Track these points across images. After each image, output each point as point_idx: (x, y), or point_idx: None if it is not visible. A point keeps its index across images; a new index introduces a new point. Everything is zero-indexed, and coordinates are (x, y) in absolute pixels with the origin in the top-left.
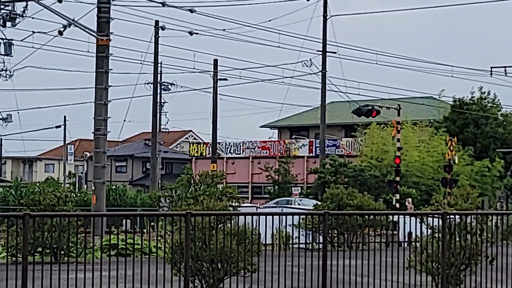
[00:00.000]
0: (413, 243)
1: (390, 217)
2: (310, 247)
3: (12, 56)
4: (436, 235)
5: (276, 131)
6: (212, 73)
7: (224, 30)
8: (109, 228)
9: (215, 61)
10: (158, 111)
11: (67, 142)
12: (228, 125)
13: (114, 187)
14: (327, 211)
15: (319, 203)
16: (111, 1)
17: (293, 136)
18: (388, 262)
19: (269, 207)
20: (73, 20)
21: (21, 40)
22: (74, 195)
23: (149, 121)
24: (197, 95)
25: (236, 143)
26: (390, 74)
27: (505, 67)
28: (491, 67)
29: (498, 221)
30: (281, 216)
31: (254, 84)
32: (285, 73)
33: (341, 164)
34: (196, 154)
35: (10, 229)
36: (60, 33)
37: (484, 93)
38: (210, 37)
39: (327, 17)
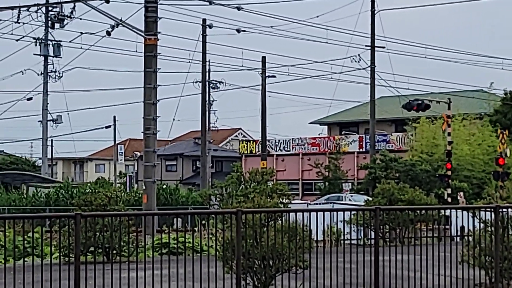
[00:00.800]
0: (466, 237)
1: (442, 211)
2: (362, 243)
3: (61, 57)
4: (489, 228)
5: (326, 127)
6: (261, 70)
7: (271, 27)
8: (161, 227)
9: (263, 58)
10: (207, 109)
11: (117, 142)
12: (277, 122)
13: (164, 186)
14: (379, 207)
15: (370, 198)
16: (158, 1)
17: (343, 132)
18: (441, 256)
19: (320, 203)
20: (120, 20)
21: (70, 41)
22: (125, 195)
23: (198, 120)
24: (245, 93)
25: (285, 140)
26: (440, 68)
27: None
28: None
29: None
30: (332, 212)
31: (303, 80)
32: (333, 69)
33: (392, 159)
34: (245, 152)
35: (63, 229)
36: (108, 33)
37: None
38: (258, 34)
39: (375, 11)
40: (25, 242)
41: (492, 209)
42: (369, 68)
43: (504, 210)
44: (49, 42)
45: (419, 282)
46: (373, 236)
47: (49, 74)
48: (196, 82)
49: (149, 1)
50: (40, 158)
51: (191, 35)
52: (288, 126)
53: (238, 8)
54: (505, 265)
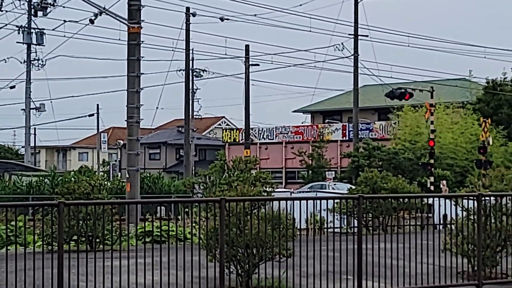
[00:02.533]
0: (448, 226)
1: (425, 199)
2: (345, 231)
3: (44, 45)
4: (471, 217)
5: (309, 115)
6: (244, 58)
7: (255, 15)
8: (144, 216)
9: (247, 46)
10: (190, 98)
11: (100, 130)
12: (261, 110)
13: (148, 174)
14: (362, 195)
15: (353, 187)
16: None
17: (326, 121)
18: (424, 244)
19: (303, 191)
20: (104, 8)
21: (53, 29)
22: (109, 183)
23: (181, 108)
24: (229, 81)
25: (269, 129)
26: (423, 57)
27: None
28: None
29: None
30: (315, 201)
31: (286, 69)
32: (317, 57)
33: (375, 148)
34: (229, 140)
35: (46, 218)
36: (91, 21)
37: None
38: (241, 22)
39: (358, 0)
40: (8, 230)
41: (475, 198)
42: (352, 57)
43: (487, 198)
44: (32, 30)
45: (402, 270)
46: (356, 224)
47: (32, 62)
48: (179, 71)
49: None
50: (23, 147)
51: (174, 23)
52: (272, 115)
53: None
54: (487, 253)
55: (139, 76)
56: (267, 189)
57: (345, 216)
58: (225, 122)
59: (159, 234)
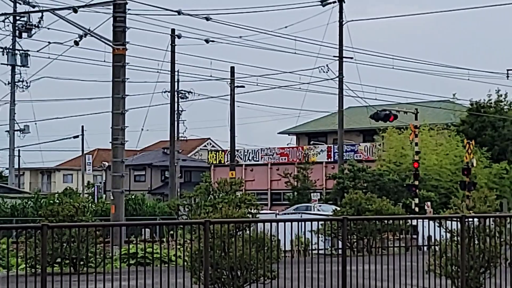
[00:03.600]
0: (433, 247)
1: (409, 221)
2: (330, 253)
3: (28, 66)
4: (455, 238)
5: (294, 137)
6: (229, 80)
7: (240, 37)
8: (128, 238)
9: (232, 68)
10: (175, 119)
11: (85, 152)
12: (247, 132)
13: (133, 196)
14: (346, 217)
15: (338, 208)
16: (126, 11)
17: (311, 142)
18: (408, 266)
19: (288, 213)
20: (88, 30)
21: (37, 51)
22: (93, 205)
23: (167, 130)
24: (214, 103)
25: (254, 150)
26: (407, 79)
27: None
28: (507, 70)
29: None
30: (300, 223)
31: (272, 90)
32: (302, 79)
33: (360, 169)
34: (214, 162)
35: (29, 240)
36: (76, 43)
37: (501, 95)
38: (227, 44)
39: (343, 22)
40: None
41: (458, 219)
42: (337, 79)
43: (470, 220)
44: (16, 51)
45: None
46: (340, 246)
47: (16, 83)
48: (164, 92)
49: (118, 11)
50: (7, 168)
51: (160, 45)
52: (257, 136)
53: (207, 19)
54: (471, 275)
55: (124, 97)
56: (252, 211)
57: (329, 238)
58: (210, 144)
59: (143, 256)
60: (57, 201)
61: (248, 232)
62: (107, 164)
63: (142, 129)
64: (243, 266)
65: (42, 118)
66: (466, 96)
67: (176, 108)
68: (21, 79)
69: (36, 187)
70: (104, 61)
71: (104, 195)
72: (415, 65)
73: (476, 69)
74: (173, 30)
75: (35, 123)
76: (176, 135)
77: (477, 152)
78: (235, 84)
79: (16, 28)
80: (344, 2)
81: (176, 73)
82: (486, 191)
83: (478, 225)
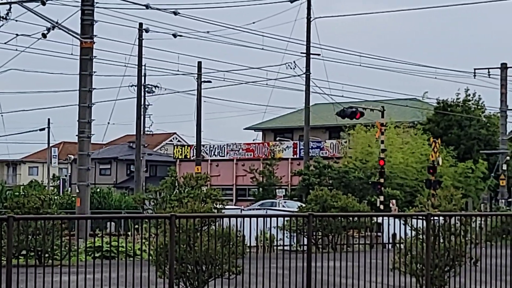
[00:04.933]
0: (397, 245)
1: (374, 218)
2: (295, 249)
3: None
4: (420, 236)
5: (260, 133)
6: (196, 75)
7: (208, 32)
8: (94, 231)
9: (199, 63)
10: (142, 113)
11: (51, 144)
12: (213, 127)
13: (98, 189)
14: (312, 213)
15: (304, 205)
16: (95, 4)
17: (277, 138)
18: (373, 263)
19: (253, 209)
20: (56, 22)
21: (5, 43)
22: (58, 198)
23: (133, 124)
24: (181, 98)
25: (220, 146)
26: (374, 76)
27: (488, 68)
28: (475, 69)
29: (482, 222)
30: (265, 218)
31: (238, 86)
32: (269, 75)
33: (325, 166)
34: (180, 157)
35: None
36: (44, 35)
37: (469, 95)
38: (194, 39)
39: (311, 19)
40: None
41: (424, 217)
42: (304, 75)
43: (436, 218)
44: None
45: None
46: (305, 243)
47: None
48: (131, 86)
49: (86, 4)
50: None
51: (127, 39)
52: (223, 132)
53: (175, 13)
54: (435, 273)
55: (91, 91)
56: (218, 206)
57: (294, 234)
58: (176, 139)
59: (108, 249)
60: (23, 193)
61: (213, 227)
62: (72, 157)
63: (108, 123)
64: (208, 261)
65: (8, 110)
66: (433, 95)
67: (142, 102)
68: None
69: (1, 179)
70: (72, 54)
71: (69, 188)
72: (382, 63)
73: (443, 68)
74: (140, 24)
75: (1, 115)
76: (142, 129)
77: (443, 151)
78: (202, 79)
79: None
80: None
81: (143, 67)
82: (452, 189)
83: (444, 224)
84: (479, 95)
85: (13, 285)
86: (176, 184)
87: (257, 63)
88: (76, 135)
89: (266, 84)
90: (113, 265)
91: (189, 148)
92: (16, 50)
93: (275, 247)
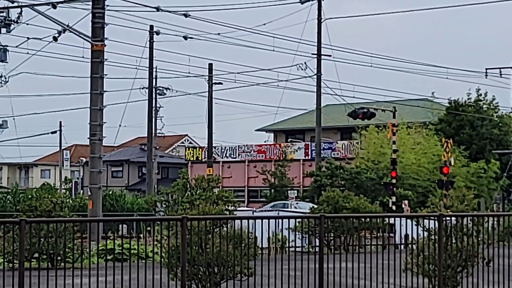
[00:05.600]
0: (410, 245)
1: (387, 219)
2: (307, 250)
3: (7, 62)
4: (433, 237)
5: (272, 134)
6: (207, 77)
7: (218, 34)
8: (106, 233)
9: (210, 65)
10: (153, 115)
11: (63, 147)
12: (224, 129)
13: (110, 192)
14: (323, 214)
15: (315, 206)
16: (105, 7)
17: (289, 140)
18: (385, 264)
19: (265, 210)
20: (67, 26)
21: (16, 46)
22: (71, 201)
23: (144, 126)
24: (192, 100)
25: (231, 147)
26: (385, 77)
27: (500, 68)
28: (486, 69)
29: (494, 222)
30: (277, 220)
31: (250, 87)
32: (280, 77)
33: (337, 167)
34: (192, 159)
35: (7, 235)
36: (55, 39)
37: (481, 94)
38: (205, 41)
39: (322, 20)
40: None
41: (436, 218)
42: (315, 76)
43: (448, 218)
44: None
45: None
46: (317, 244)
47: None
48: (142, 88)
49: (97, 7)
50: None
51: (138, 42)
52: (235, 133)
53: (186, 15)
54: (448, 273)
55: (102, 93)
56: (229, 207)
57: (306, 235)
58: (188, 140)
59: (120, 252)
60: (35, 196)
61: (225, 229)
62: (84, 159)
63: (120, 125)
64: (220, 263)
65: (20, 114)
66: (444, 95)
67: (154, 105)
68: None
69: (14, 182)
70: (83, 57)
71: (81, 191)
72: (393, 63)
73: (455, 68)
74: (151, 27)
75: (13, 118)
76: (153, 132)
77: (454, 151)
78: (213, 81)
79: None
80: (323, 0)
81: (154, 69)
82: (464, 190)
83: (456, 224)
84: (493, 95)
85: (25, 287)
86: (188, 186)
87: (268, 65)
88: (88, 138)
89: (277, 85)
90: (125, 268)
91: (200, 150)
92: (28, 53)
93: (287, 249)
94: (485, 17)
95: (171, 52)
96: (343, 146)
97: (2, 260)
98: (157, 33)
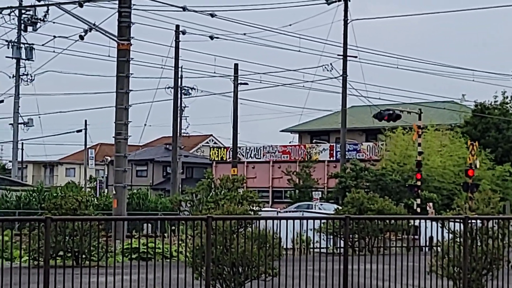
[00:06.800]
0: (434, 248)
1: (411, 221)
2: (331, 252)
3: (33, 60)
4: (458, 239)
5: (297, 135)
6: (233, 77)
7: (244, 34)
8: (130, 232)
9: (236, 65)
10: (178, 115)
11: (88, 146)
12: (249, 129)
13: (135, 191)
14: (348, 216)
15: (340, 207)
16: (132, 6)
17: (314, 141)
18: (409, 266)
19: (289, 211)
20: (94, 24)
21: (42, 45)
22: (95, 199)
23: (169, 126)
24: (217, 100)
25: (256, 148)
26: (411, 78)
27: None
28: None
29: None
30: (301, 220)
31: (275, 88)
32: (305, 78)
33: (362, 169)
34: (216, 159)
35: (32, 233)
36: (81, 37)
37: (507, 97)
38: (231, 41)
39: (348, 21)
40: None
41: (461, 220)
42: (341, 77)
43: (473, 221)
44: (21, 45)
45: None
46: (342, 245)
47: (21, 77)
48: (168, 88)
49: (123, 6)
50: (10, 161)
51: (164, 41)
52: (260, 134)
53: (212, 15)
54: (473, 276)
55: (127, 92)
56: (254, 208)
57: (331, 237)
58: (212, 141)
59: (145, 251)
60: (60, 194)
61: (249, 229)
62: (109, 158)
63: (145, 125)
64: (245, 263)
65: (45, 112)
66: (471, 97)
67: (179, 104)
68: (25, 73)
69: (39, 180)
70: (109, 56)
71: (106, 190)
72: (419, 65)
73: (481, 70)
74: (177, 26)
75: (39, 117)
76: (178, 131)
77: (480, 154)
78: (239, 81)
79: (22, 21)
80: (350, 1)
81: (179, 69)
82: (490, 192)
83: (481, 227)
84: None
85: (50, 285)
86: (213, 186)
87: (293, 65)
88: (113, 137)
89: (303, 86)
90: (150, 267)
91: (225, 150)
92: (54, 52)
93: (311, 250)
94: None
95: (197, 52)
96: (368, 148)
97: (27, 257)
98: (183, 32)
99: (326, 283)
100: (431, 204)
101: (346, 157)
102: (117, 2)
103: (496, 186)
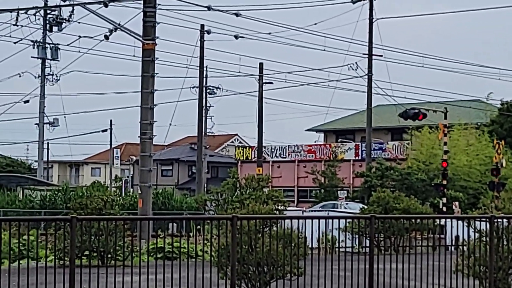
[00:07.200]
0: (460, 247)
1: (437, 220)
2: (357, 251)
3: (58, 60)
4: (484, 238)
5: (322, 134)
6: (258, 76)
7: (269, 33)
8: (156, 232)
9: (261, 64)
10: (203, 115)
11: (113, 146)
12: (274, 128)
13: (160, 191)
14: (374, 215)
15: (366, 206)
16: (157, 6)
17: (339, 140)
18: (435, 265)
19: (315, 210)
20: (119, 24)
21: (68, 45)
22: (121, 199)
23: (194, 125)
24: (242, 99)
25: (281, 147)
26: (437, 77)
27: None
28: None
29: None
30: (327, 220)
31: (300, 87)
32: (331, 77)
33: (388, 168)
34: (241, 158)
35: (58, 232)
36: (106, 37)
37: None
38: (256, 40)
39: (373, 20)
40: (20, 244)
41: (487, 219)
42: (366, 76)
43: (499, 220)
44: (47, 45)
45: None
46: (368, 244)
47: (46, 77)
48: (193, 88)
49: (148, 6)
50: (36, 161)
51: (189, 41)
52: (285, 133)
53: (237, 14)
54: (499, 275)
55: (153, 92)
56: (279, 207)
57: (357, 236)
58: (237, 140)
59: (170, 250)
60: (86, 194)
61: (275, 228)
62: (134, 158)
63: (170, 124)
64: (270, 262)
65: (71, 112)
66: (497, 96)
67: (204, 104)
68: (51, 73)
69: (65, 180)
70: (134, 55)
71: (131, 189)
72: (445, 64)
73: (507, 69)
74: (202, 26)
75: (64, 117)
76: (203, 131)
77: (506, 153)
78: (264, 81)
79: (47, 21)
80: (375, 0)
81: (204, 68)
82: None
83: (508, 226)
84: None
85: (76, 285)
86: (238, 186)
87: (319, 64)
88: (138, 136)
89: (328, 85)
90: (175, 266)
91: (250, 149)
92: (79, 51)
93: (337, 249)
94: None
95: (222, 51)
96: (394, 147)
97: (53, 257)
98: (208, 32)
99: (351, 283)
100: (457, 203)
101: (372, 156)
102: (142, 1)
103: None
